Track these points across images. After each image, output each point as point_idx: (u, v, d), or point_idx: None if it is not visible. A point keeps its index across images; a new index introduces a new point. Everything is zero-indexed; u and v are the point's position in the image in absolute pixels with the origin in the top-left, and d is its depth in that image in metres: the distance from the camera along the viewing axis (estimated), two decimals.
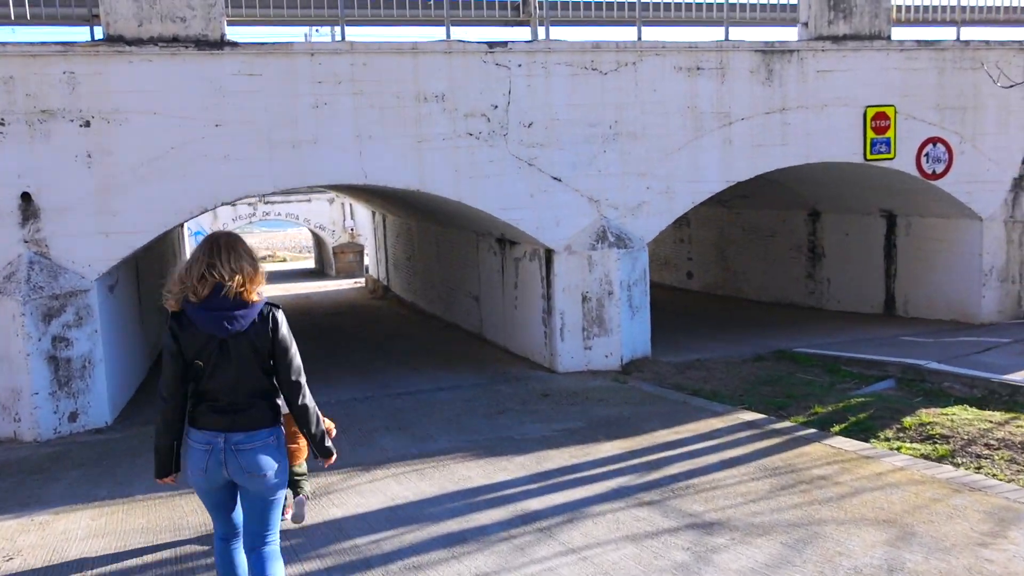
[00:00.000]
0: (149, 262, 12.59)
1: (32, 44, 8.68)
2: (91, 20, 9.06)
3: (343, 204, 33.45)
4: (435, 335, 14.61)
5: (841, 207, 14.55)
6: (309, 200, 33.76)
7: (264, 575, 3.76)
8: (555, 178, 10.41)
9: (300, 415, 3.77)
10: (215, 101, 9.16)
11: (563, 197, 10.46)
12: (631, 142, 10.61)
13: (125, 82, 8.90)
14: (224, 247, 3.66)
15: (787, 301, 16.06)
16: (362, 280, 26.30)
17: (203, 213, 9.22)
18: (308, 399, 3.79)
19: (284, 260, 47.14)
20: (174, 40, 9.03)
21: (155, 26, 8.93)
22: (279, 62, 9.34)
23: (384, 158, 9.78)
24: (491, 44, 10.06)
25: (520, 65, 10.15)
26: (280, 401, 3.84)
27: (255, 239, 57.96)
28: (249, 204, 33.05)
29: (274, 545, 3.85)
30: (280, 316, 3.73)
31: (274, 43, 9.40)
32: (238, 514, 3.90)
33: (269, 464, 3.69)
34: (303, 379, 3.78)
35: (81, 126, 8.80)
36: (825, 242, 15.22)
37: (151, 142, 9.03)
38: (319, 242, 36.62)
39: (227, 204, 19.66)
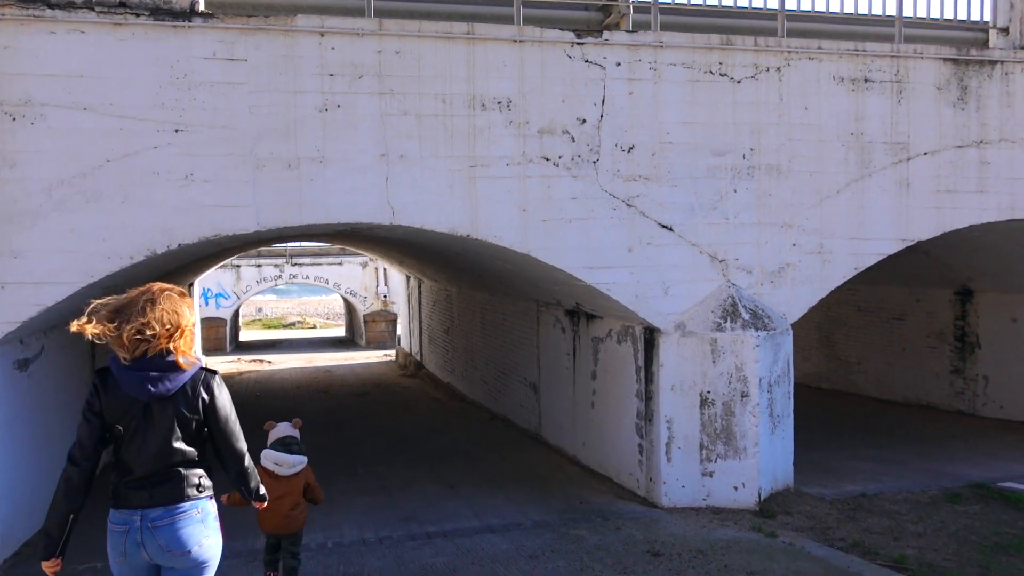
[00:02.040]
0: None
1: None
2: None
3: (376, 268, 30.64)
4: (479, 432, 11.34)
5: (1009, 284, 11.17)
6: (340, 263, 30.97)
7: None
8: (664, 226, 7.27)
9: (240, 479, 3.59)
10: (176, 96, 6.23)
11: (674, 254, 7.31)
12: (772, 179, 7.47)
13: (43, 61, 6.01)
14: (158, 300, 3.34)
15: (922, 402, 12.59)
16: (393, 352, 23.23)
17: (148, 256, 6.21)
18: (248, 463, 3.59)
19: (314, 327, 44.42)
20: (120, 5, 6.16)
21: None
22: (274, 43, 6.42)
23: (421, 188, 6.75)
24: (579, 33, 7.07)
25: (619, 64, 7.13)
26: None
27: (288, 304, 55.61)
28: (275, 266, 30.37)
29: None
30: (216, 383, 3.49)
31: (267, 15, 6.51)
32: None
33: (192, 539, 3.39)
34: (243, 445, 3.56)
35: None
36: (980, 329, 11.79)
37: (78, 151, 6.09)
38: (350, 309, 33.76)
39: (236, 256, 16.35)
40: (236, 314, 31.33)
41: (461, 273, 12.31)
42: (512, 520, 7.06)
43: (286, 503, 5.11)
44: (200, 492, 3.45)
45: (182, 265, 9.77)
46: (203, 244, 6.58)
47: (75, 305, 6.61)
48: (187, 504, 3.39)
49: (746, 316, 7.21)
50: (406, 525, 7.01)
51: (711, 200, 7.34)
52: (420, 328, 18.66)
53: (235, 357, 24.54)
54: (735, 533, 6.58)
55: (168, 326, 3.30)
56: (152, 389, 3.30)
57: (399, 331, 24.64)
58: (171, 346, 3.33)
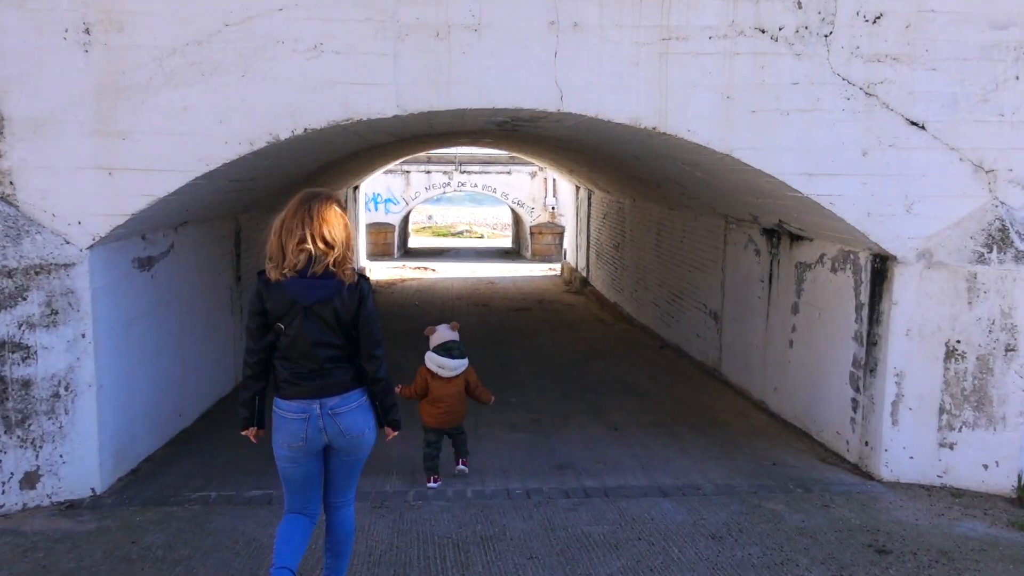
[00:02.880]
0: (259, 225, 8.96)
1: None
2: None
3: (545, 179, 29.44)
4: (647, 362, 10.06)
5: None
6: (509, 172, 29.98)
7: (343, 531, 3.85)
8: (913, 123, 5.55)
9: (375, 385, 3.72)
10: None
11: (924, 160, 5.58)
12: None
13: None
14: (318, 216, 3.53)
15: None
16: (558, 267, 22.16)
17: (270, 143, 5.24)
18: (383, 372, 3.72)
19: (481, 237, 44.18)
20: None
21: None
22: None
23: (598, 66, 5.36)
24: None
25: None
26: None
27: (459, 212, 55.65)
28: (444, 172, 29.80)
29: (351, 505, 3.89)
30: (368, 288, 3.65)
31: None
32: (316, 492, 3.80)
33: (364, 423, 3.70)
34: (381, 352, 3.70)
35: None
36: None
37: (192, 11, 5.13)
38: (517, 220, 32.91)
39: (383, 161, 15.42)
40: (405, 220, 31.21)
41: (636, 182, 10.87)
42: (688, 481, 5.80)
43: (450, 401, 5.55)
44: (362, 382, 3.71)
45: (331, 164, 8.92)
46: (334, 131, 5.53)
47: (196, 198, 5.81)
48: (356, 393, 3.68)
49: (1020, 245, 5.43)
50: (559, 475, 5.91)
51: (982, 89, 5.51)
52: (588, 242, 17.40)
53: (401, 263, 24.33)
54: (987, 529, 5.01)
55: (328, 242, 3.51)
56: (314, 295, 3.52)
57: (565, 245, 23.53)
58: (331, 263, 3.52)
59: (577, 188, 18.71)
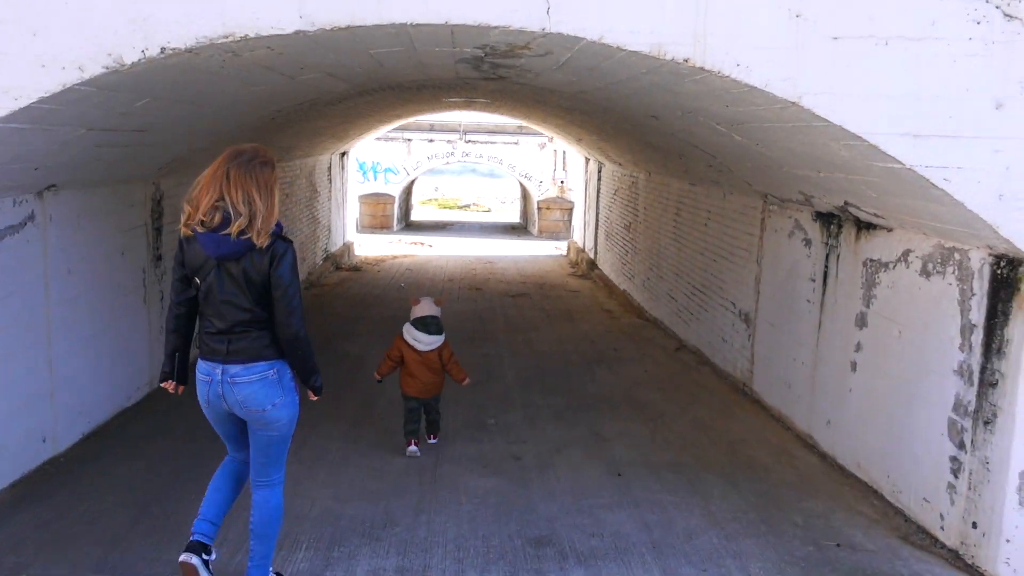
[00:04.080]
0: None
1: None
2: None
3: (555, 151, 27.53)
4: (660, 369, 8.31)
5: None
6: (517, 142, 28.05)
7: (257, 514, 3.63)
8: None
9: (289, 346, 3.52)
10: None
11: None
12: None
13: None
14: (235, 179, 3.37)
15: None
16: (564, 246, 20.37)
17: (111, 69, 3.48)
18: (297, 332, 3.49)
19: (488, 210, 42.35)
20: None
21: None
22: None
23: None
24: None
25: None
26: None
27: (466, 183, 53.57)
28: (448, 141, 27.89)
29: (275, 486, 3.67)
30: (283, 250, 3.45)
31: None
32: (239, 448, 3.75)
33: (267, 399, 3.51)
34: (296, 319, 3.48)
35: None
36: None
37: None
38: (525, 194, 31.08)
39: (406, 131, 13.52)
40: (408, 191, 29.43)
41: (653, 152, 9.06)
42: (720, 571, 4.07)
43: (426, 373, 5.64)
44: (277, 354, 3.53)
45: (287, 121, 7.16)
46: (213, 53, 3.76)
47: (46, 152, 4.04)
48: (263, 364, 3.50)
49: None
50: (536, 558, 4.17)
51: None
52: (596, 221, 15.60)
53: (397, 238, 22.61)
54: None
55: (243, 205, 3.35)
56: (223, 250, 3.38)
57: (574, 223, 21.74)
58: (246, 226, 3.35)
59: (587, 160, 16.87)
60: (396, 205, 26.63)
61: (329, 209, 15.55)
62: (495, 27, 3.63)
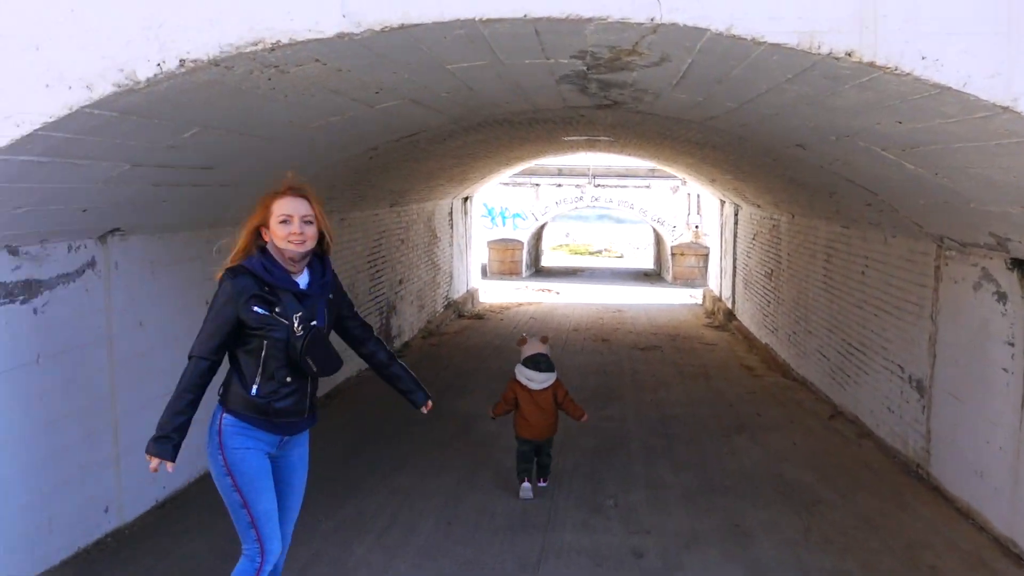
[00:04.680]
0: None
1: None
2: None
3: (688, 194, 26.31)
4: (813, 442, 7.06)
5: None
6: (648, 186, 27.02)
7: None
8: None
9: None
10: None
11: None
12: None
13: None
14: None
15: None
16: (700, 294, 19.11)
17: (123, 88, 2.87)
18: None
19: (621, 256, 41.31)
20: None
21: None
22: None
23: None
24: None
25: None
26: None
27: (598, 230, 52.64)
28: (577, 186, 27.25)
29: (243, 556, 3.40)
30: (220, 286, 3.30)
31: None
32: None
33: (207, 447, 3.43)
34: (192, 350, 3.31)
35: None
36: None
37: None
38: (658, 240, 29.92)
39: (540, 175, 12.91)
40: (538, 237, 28.95)
41: (797, 189, 7.93)
42: None
43: (537, 414, 5.59)
44: (218, 398, 3.42)
45: (394, 162, 6.55)
46: (248, 66, 3.08)
47: (92, 194, 3.47)
48: (215, 408, 3.43)
49: None
50: None
51: None
52: (733, 268, 14.37)
53: (525, 284, 21.99)
54: None
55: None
56: None
57: (710, 269, 20.46)
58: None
59: (722, 203, 15.70)
60: (525, 251, 26.10)
61: (451, 255, 15.05)
62: (588, 19, 2.77)
